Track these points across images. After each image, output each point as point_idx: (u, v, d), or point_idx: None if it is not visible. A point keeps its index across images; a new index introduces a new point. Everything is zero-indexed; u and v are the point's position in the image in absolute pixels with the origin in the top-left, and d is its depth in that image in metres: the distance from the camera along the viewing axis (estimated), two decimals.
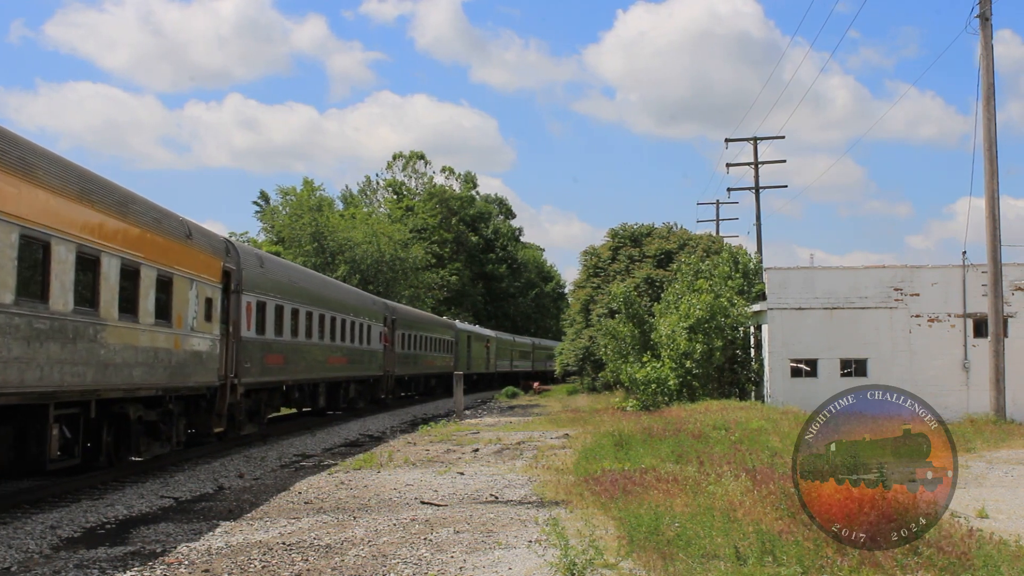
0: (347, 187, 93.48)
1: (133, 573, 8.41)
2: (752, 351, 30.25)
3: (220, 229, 27.71)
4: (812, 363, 27.37)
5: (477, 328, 59.13)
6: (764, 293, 28.61)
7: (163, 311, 14.90)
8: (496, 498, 12.31)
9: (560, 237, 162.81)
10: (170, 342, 15.19)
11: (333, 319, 26.83)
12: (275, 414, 25.44)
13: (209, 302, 17.25)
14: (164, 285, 14.99)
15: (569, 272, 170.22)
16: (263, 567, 8.46)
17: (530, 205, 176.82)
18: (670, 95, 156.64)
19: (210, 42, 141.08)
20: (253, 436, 22.60)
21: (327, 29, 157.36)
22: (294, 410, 28.46)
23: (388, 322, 35.03)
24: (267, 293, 20.95)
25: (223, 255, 18.39)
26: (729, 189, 55.67)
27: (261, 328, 20.46)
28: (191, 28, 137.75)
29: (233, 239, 20.83)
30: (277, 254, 42.65)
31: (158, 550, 9.38)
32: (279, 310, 21.81)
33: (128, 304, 13.53)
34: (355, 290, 34.74)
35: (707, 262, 33.63)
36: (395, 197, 77.17)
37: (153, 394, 14.70)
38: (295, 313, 23.15)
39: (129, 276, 13.61)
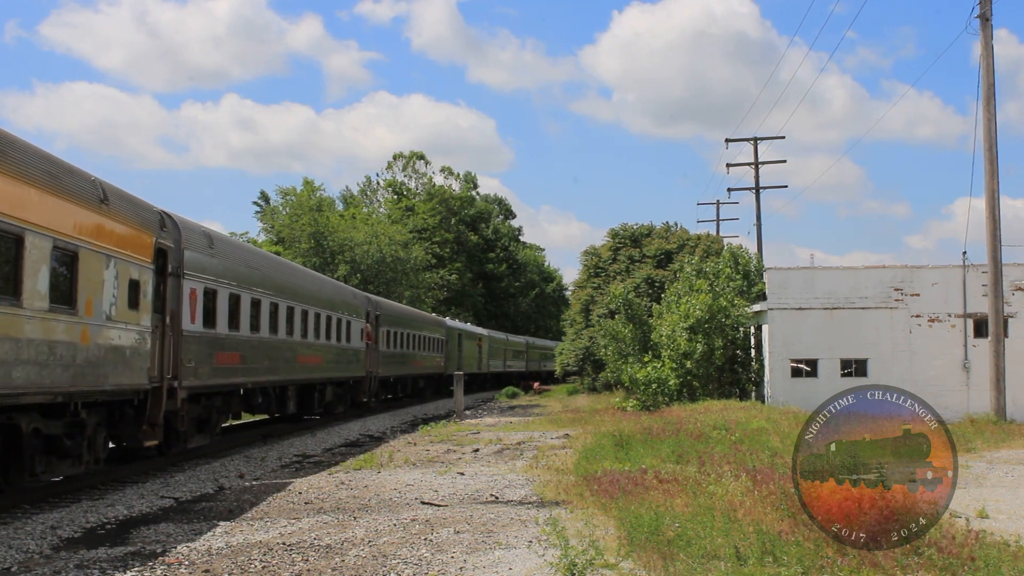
0: (347, 187, 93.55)
1: (133, 573, 8.41)
2: (752, 351, 30.26)
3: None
4: (812, 363, 27.37)
5: (469, 326, 56.74)
6: (764, 293, 28.62)
7: (63, 294, 11.74)
8: (496, 498, 12.31)
9: (559, 237, 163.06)
10: (75, 334, 11.97)
11: (305, 313, 23.78)
12: (235, 422, 23.61)
13: (135, 286, 13.84)
14: (65, 261, 11.80)
15: (568, 272, 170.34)
16: (263, 567, 8.46)
17: (528, 205, 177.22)
18: (667, 95, 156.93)
19: (205, 42, 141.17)
20: (253, 436, 22.23)
21: (323, 29, 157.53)
22: (258, 417, 25.87)
23: (371, 318, 32.27)
24: (219, 279, 17.62)
25: (156, 229, 14.92)
26: (729, 189, 55.61)
27: (210, 320, 17.17)
28: (186, 28, 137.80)
29: (176, 216, 16.47)
30: (278, 253, 42.53)
31: (158, 550, 9.38)
32: (235, 300, 18.51)
33: (3, 283, 10.47)
34: (332, 281, 31.83)
35: (708, 262, 33.66)
36: (395, 197, 77.21)
37: (51, 400, 11.59)
38: (256, 304, 19.86)
39: (5, 244, 10.51)
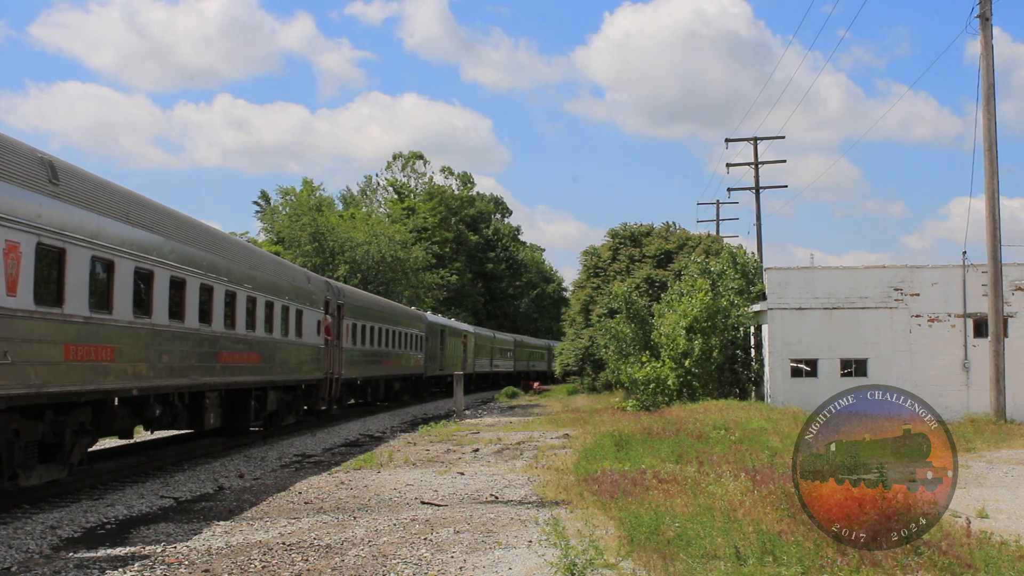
0: (347, 188, 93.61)
1: (133, 573, 8.41)
2: (752, 351, 30.26)
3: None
4: (812, 363, 27.37)
5: (453, 322, 52.20)
6: (764, 293, 28.63)
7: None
8: (496, 498, 12.31)
9: (555, 236, 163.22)
10: None
11: (232, 295, 18.16)
12: (122, 441, 17.91)
13: None
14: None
15: (565, 271, 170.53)
16: (263, 567, 8.46)
17: (524, 205, 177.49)
18: (660, 96, 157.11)
19: (197, 42, 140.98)
20: (254, 436, 21.06)
21: (315, 28, 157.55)
22: (157, 434, 20.35)
23: (332, 308, 26.70)
24: (68, 233, 11.86)
25: None
26: (729, 189, 55.58)
27: (47, 293, 11.50)
28: (177, 28, 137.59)
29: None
30: (277, 254, 42.36)
31: (158, 550, 9.38)
32: (103, 267, 12.87)
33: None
34: (276, 258, 25.37)
35: (711, 262, 33.68)
36: (396, 197, 77.24)
37: None
38: (145, 277, 14.22)
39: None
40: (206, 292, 16.89)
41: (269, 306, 20.67)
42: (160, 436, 20.81)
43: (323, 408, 26.80)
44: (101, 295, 12.87)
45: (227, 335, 17.91)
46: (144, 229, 14.44)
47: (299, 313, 23.13)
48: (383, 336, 33.60)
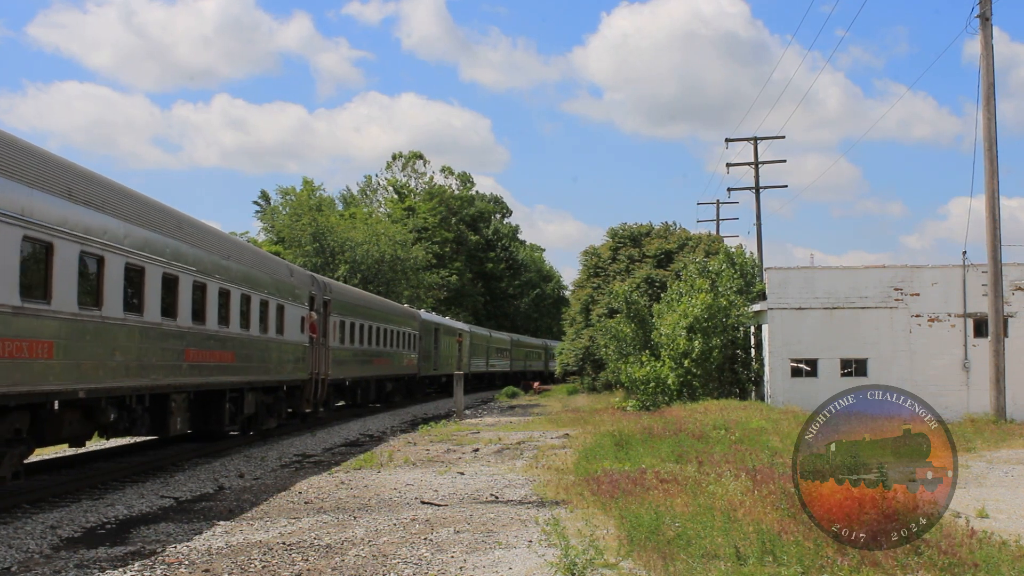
0: (347, 188, 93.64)
1: (133, 573, 8.41)
2: (752, 351, 30.27)
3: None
4: (812, 363, 27.37)
5: (447, 320, 50.80)
6: (764, 293, 28.63)
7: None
8: (496, 498, 12.31)
9: (554, 236, 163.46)
10: None
11: (201, 287, 16.54)
12: (66, 451, 16.71)
13: None
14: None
15: (565, 271, 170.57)
16: (263, 567, 8.46)
17: (523, 204, 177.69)
18: (658, 96, 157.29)
19: (195, 42, 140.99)
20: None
21: (312, 28, 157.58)
22: (112, 441, 18.50)
23: (318, 304, 25.35)
24: None
25: None
26: (729, 189, 55.68)
27: None
28: (175, 28, 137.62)
29: None
30: (277, 254, 42.36)
31: (158, 550, 9.38)
32: (29, 247, 11.14)
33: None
34: (255, 248, 23.63)
35: (710, 261, 33.71)
36: (396, 197, 77.27)
37: None
38: (89, 262, 12.51)
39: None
40: (170, 282, 15.19)
41: (245, 300, 19.01)
42: (135, 442, 19.13)
43: (308, 411, 25.39)
44: (35, 282, 11.23)
45: (196, 331, 16.29)
46: (92, 208, 12.66)
47: (280, 308, 21.56)
48: (374, 334, 32.26)
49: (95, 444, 18.36)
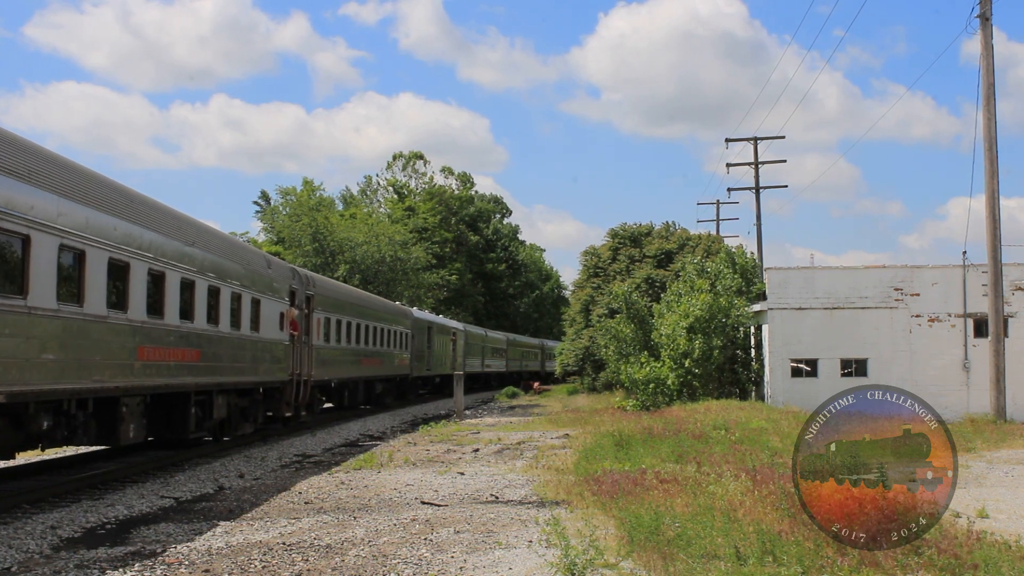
0: (347, 188, 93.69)
1: (133, 573, 8.41)
2: (752, 351, 30.28)
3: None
4: (812, 363, 27.38)
5: (441, 318, 48.82)
6: (764, 293, 28.63)
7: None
8: (496, 498, 12.31)
9: (554, 236, 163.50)
10: None
11: (158, 276, 14.71)
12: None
13: None
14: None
15: (564, 270, 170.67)
16: (263, 567, 8.46)
17: (523, 204, 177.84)
18: (656, 96, 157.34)
19: (192, 42, 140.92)
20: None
21: (309, 28, 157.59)
22: (48, 452, 16.14)
23: (300, 299, 23.61)
24: None
25: None
26: (729, 189, 55.59)
27: None
28: (172, 28, 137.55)
29: None
30: (277, 254, 42.37)
31: (158, 550, 9.38)
32: None
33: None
34: (221, 233, 21.44)
35: (709, 262, 33.72)
36: (396, 197, 77.29)
37: None
38: (9, 242, 10.75)
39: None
40: (118, 270, 13.29)
41: (213, 292, 17.19)
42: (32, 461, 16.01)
43: (288, 415, 23.37)
44: None
45: (151, 326, 14.36)
46: (14, 178, 10.70)
47: (255, 303, 19.66)
48: (363, 333, 30.36)
49: (94, 447, 18.25)
